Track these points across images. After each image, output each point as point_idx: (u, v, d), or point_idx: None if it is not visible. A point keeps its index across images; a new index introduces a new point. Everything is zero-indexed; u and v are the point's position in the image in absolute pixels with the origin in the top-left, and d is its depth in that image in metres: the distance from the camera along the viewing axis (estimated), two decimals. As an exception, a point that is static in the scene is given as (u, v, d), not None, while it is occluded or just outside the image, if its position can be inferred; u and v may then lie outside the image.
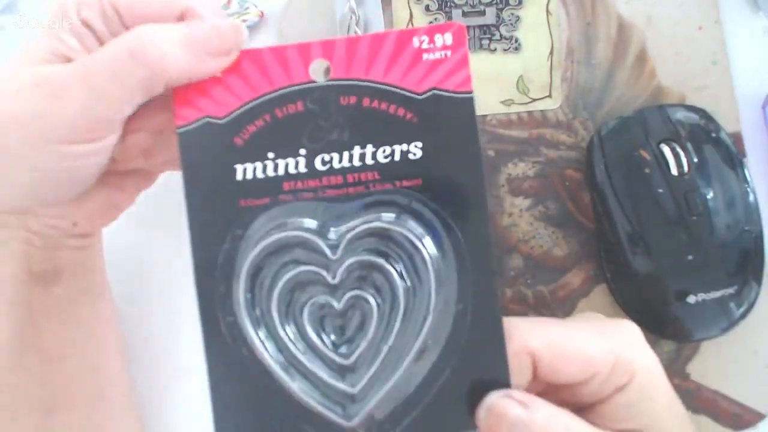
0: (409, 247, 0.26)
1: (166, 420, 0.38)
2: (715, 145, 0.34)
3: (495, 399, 0.25)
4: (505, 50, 0.37)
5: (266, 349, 0.26)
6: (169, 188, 0.37)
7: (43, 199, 0.27)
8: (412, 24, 0.37)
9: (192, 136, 0.26)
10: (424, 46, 0.26)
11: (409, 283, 0.26)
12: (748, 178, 0.34)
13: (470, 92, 0.25)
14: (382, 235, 0.26)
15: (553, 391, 0.27)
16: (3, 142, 0.25)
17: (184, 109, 0.26)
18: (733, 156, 0.34)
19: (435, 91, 0.26)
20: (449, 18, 0.37)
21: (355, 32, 0.36)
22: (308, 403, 0.26)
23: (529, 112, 0.37)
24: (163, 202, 0.38)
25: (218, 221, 0.26)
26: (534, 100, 0.37)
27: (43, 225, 0.28)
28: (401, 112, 0.26)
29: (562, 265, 0.37)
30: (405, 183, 0.26)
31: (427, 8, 0.37)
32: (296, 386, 0.26)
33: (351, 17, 0.35)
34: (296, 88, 0.26)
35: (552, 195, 0.37)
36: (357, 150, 0.26)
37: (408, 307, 0.26)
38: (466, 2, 0.37)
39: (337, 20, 0.36)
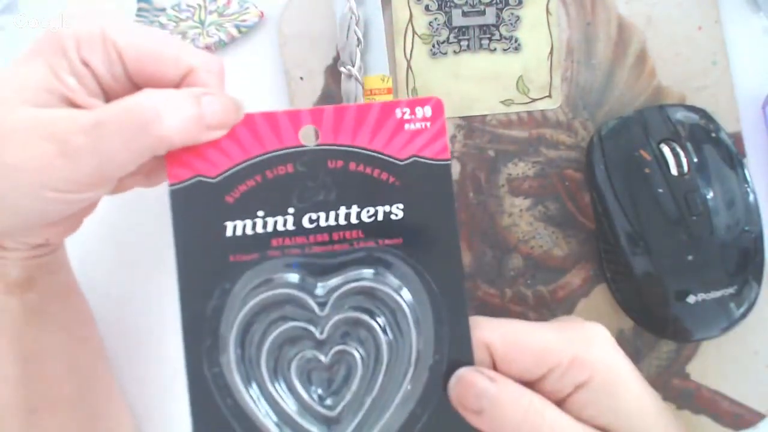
0: (392, 304, 0.28)
1: (165, 420, 0.38)
2: (715, 145, 0.34)
3: (466, 370, 0.27)
4: (505, 50, 0.37)
5: (258, 407, 0.27)
6: (164, 196, 0.37)
7: (33, 228, 0.28)
8: (412, 24, 0.37)
9: (184, 194, 0.27)
10: (406, 117, 0.28)
11: (391, 336, 0.28)
12: (748, 178, 0.34)
13: (448, 160, 0.28)
14: (367, 293, 0.27)
15: None
16: (2, 185, 0.25)
17: (177, 169, 0.27)
18: (733, 156, 0.34)
19: (416, 158, 0.28)
20: (449, 17, 0.37)
21: (355, 32, 0.36)
22: None
23: (529, 112, 0.37)
24: (158, 208, 0.38)
25: (207, 275, 0.27)
26: (534, 100, 0.37)
27: (16, 242, 0.28)
28: (384, 176, 0.28)
29: (562, 265, 0.37)
30: (387, 242, 0.28)
31: (427, 8, 0.37)
32: None
33: (351, 17, 0.35)
34: (287, 151, 0.27)
35: (552, 195, 0.37)
36: (343, 210, 0.27)
37: (391, 360, 0.28)
38: (466, 2, 0.37)
39: (337, 20, 0.36)
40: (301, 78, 0.37)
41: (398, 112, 0.28)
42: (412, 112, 0.28)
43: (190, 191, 0.27)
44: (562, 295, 0.37)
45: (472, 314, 0.29)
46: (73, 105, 0.26)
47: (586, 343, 0.27)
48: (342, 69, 0.36)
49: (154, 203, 0.38)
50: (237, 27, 0.38)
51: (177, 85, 0.27)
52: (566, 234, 0.37)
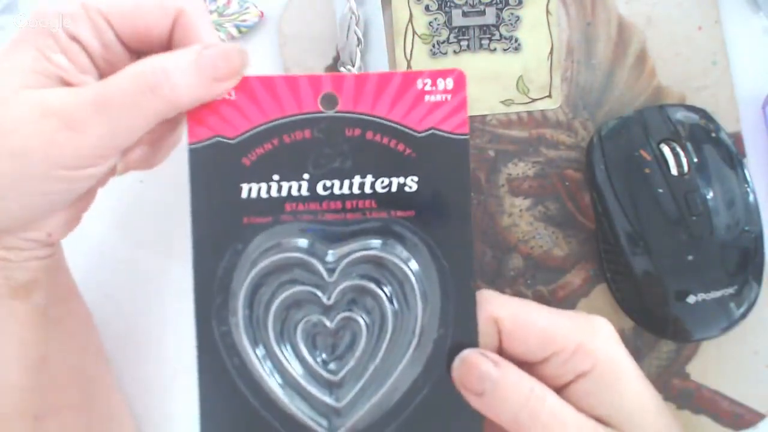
0: (400, 275, 0.28)
1: (164, 420, 0.38)
2: (715, 145, 0.34)
3: (470, 352, 0.27)
4: (505, 50, 0.37)
5: (264, 367, 0.27)
6: (164, 196, 0.37)
7: (38, 217, 0.28)
8: (412, 24, 0.37)
9: (202, 153, 0.27)
10: (427, 88, 0.27)
11: (397, 306, 0.28)
12: (748, 178, 0.34)
13: (466, 134, 0.27)
14: (376, 262, 0.28)
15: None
16: (12, 171, 0.25)
17: (197, 128, 0.27)
18: (733, 156, 0.34)
19: (434, 131, 0.27)
20: (449, 17, 0.37)
21: (355, 32, 0.36)
22: (296, 415, 0.27)
23: (529, 112, 0.37)
24: (158, 208, 0.38)
25: (221, 235, 0.27)
26: (534, 100, 0.37)
27: (20, 239, 0.28)
28: (401, 147, 0.27)
29: (562, 265, 0.37)
30: (399, 213, 0.27)
31: (427, 8, 0.37)
32: (286, 399, 0.27)
33: (351, 17, 0.35)
34: (305, 116, 0.27)
35: (552, 195, 0.37)
36: (357, 179, 0.27)
37: (395, 329, 0.28)
38: (466, 2, 0.37)
39: (337, 20, 0.36)
40: (301, 78, 0.37)
41: (419, 83, 0.27)
42: (434, 83, 0.27)
43: (208, 151, 0.27)
44: (562, 295, 0.37)
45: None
46: (66, 84, 0.26)
47: (591, 334, 0.27)
48: (342, 69, 0.36)
49: (154, 205, 0.38)
50: (237, 27, 0.38)
51: (170, 34, 0.27)
52: (566, 234, 0.37)
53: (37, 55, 0.25)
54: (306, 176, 0.27)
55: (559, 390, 0.27)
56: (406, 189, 0.27)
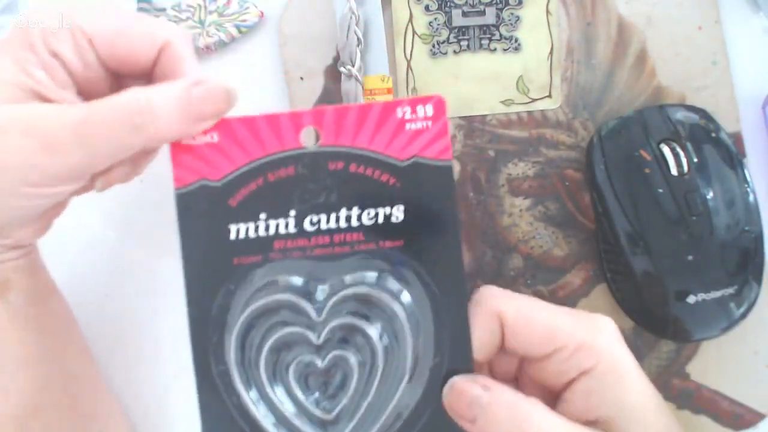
0: (388, 311, 0.28)
1: (163, 421, 0.38)
2: (715, 145, 0.34)
3: (459, 379, 0.27)
4: (505, 50, 0.37)
5: (258, 409, 0.27)
6: (164, 196, 0.37)
7: (4, 227, 0.27)
8: (412, 24, 0.37)
9: (188, 198, 0.27)
10: (407, 116, 0.27)
11: (387, 343, 0.28)
12: (748, 178, 0.34)
13: (449, 160, 0.27)
14: (364, 299, 0.28)
15: (525, 373, 0.29)
16: None
17: (182, 172, 0.27)
18: (733, 156, 0.34)
19: (417, 159, 0.27)
20: (449, 17, 0.37)
21: (355, 32, 0.36)
22: None
23: (529, 112, 0.37)
24: (158, 208, 0.38)
25: (212, 277, 0.27)
26: (534, 100, 0.37)
27: None
28: (385, 177, 0.27)
29: (562, 265, 0.37)
30: (388, 244, 0.28)
31: (427, 8, 0.37)
32: None
33: (351, 17, 0.35)
34: (288, 153, 0.27)
35: (552, 195, 0.37)
36: (344, 212, 0.27)
37: (387, 365, 0.28)
38: (466, 2, 0.37)
39: (337, 20, 0.36)
40: (301, 78, 0.37)
41: (399, 112, 0.27)
42: (413, 111, 0.27)
43: (194, 195, 0.27)
44: (562, 295, 0.37)
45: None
46: (44, 99, 0.26)
47: (595, 332, 0.27)
48: (342, 69, 0.36)
49: (149, 208, 0.38)
50: (237, 27, 0.38)
51: (154, 62, 0.27)
52: (566, 234, 0.37)
53: (15, 68, 0.25)
54: (293, 213, 0.27)
55: (562, 389, 0.27)
56: (393, 219, 0.27)
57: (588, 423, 0.27)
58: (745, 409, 0.36)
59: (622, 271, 0.34)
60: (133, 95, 0.25)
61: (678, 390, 0.36)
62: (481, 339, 0.27)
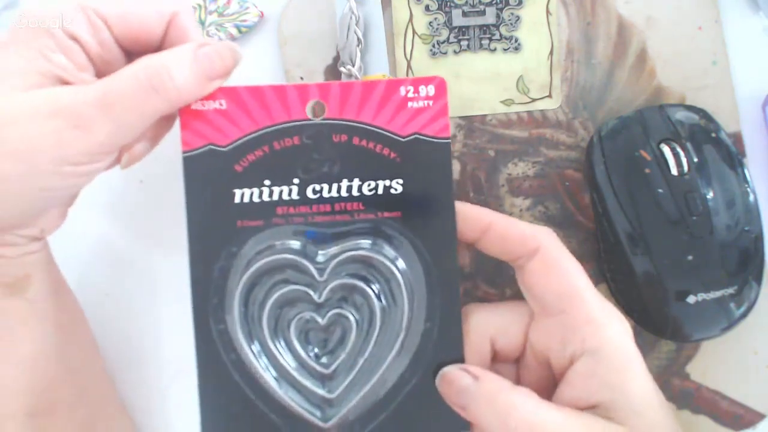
0: (387, 273, 0.29)
1: (165, 420, 0.38)
2: (715, 145, 0.34)
3: (449, 369, 0.28)
4: (505, 50, 0.37)
5: (259, 362, 0.29)
6: (163, 196, 0.37)
7: (38, 214, 0.28)
8: (412, 24, 0.37)
9: (196, 161, 0.28)
10: (410, 95, 0.29)
11: (385, 303, 0.29)
12: (748, 178, 0.34)
13: (448, 138, 0.29)
14: (365, 261, 0.29)
15: (529, 353, 0.30)
16: (21, 170, 0.25)
17: (190, 136, 0.28)
18: (733, 156, 0.34)
19: (417, 135, 0.29)
20: (449, 17, 0.37)
21: (355, 32, 0.36)
22: (290, 406, 0.29)
23: (529, 112, 0.37)
24: (158, 208, 0.38)
25: (216, 238, 0.28)
26: (534, 100, 0.37)
27: (16, 236, 0.28)
28: (386, 151, 0.29)
29: (562, 265, 0.37)
30: (386, 214, 0.29)
31: (427, 8, 0.37)
32: (281, 391, 0.29)
33: (351, 17, 0.35)
34: (294, 123, 0.28)
35: (552, 195, 0.37)
36: (345, 182, 0.29)
37: (383, 324, 0.29)
38: (466, 2, 0.37)
39: (337, 20, 0.36)
40: (301, 78, 0.37)
41: (402, 90, 0.28)
42: (416, 90, 0.28)
43: (201, 159, 0.28)
44: (562, 295, 0.37)
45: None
46: (65, 83, 0.26)
47: (608, 315, 0.28)
48: (342, 69, 0.36)
49: (153, 205, 0.38)
50: (237, 27, 0.38)
51: (163, 34, 0.28)
52: (566, 234, 0.37)
53: (36, 55, 0.25)
54: (296, 181, 0.28)
55: (564, 369, 0.28)
56: (392, 191, 0.29)
57: (588, 407, 0.27)
58: (745, 409, 0.36)
59: (622, 271, 0.34)
60: (147, 61, 0.26)
61: (678, 390, 0.36)
62: (471, 361, 0.29)
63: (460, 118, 0.37)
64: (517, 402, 0.26)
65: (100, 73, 0.27)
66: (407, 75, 0.37)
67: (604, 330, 0.27)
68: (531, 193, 0.37)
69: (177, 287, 0.38)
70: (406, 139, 0.29)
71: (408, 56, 0.37)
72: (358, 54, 0.36)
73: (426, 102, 0.28)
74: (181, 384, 0.37)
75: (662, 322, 0.34)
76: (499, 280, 0.37)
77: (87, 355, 0.34)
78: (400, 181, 0.29)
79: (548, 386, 0.29)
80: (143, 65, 0.26)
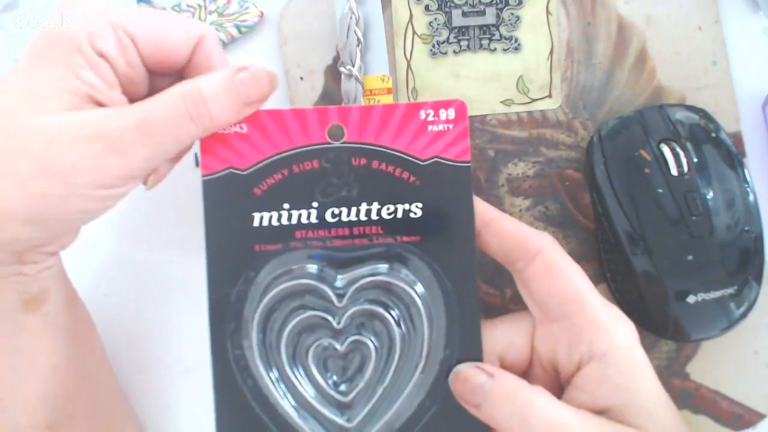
0: (406, 298, 0.29)
1: (166, 420, 0.38)
2: (715, 145, 0.34)
3: (464, 367, 0.28)
4: (505, 50, 0.37)
5: (277, 389, 0.28)
6: (164, 196, 0.37)
7: (67, 233, 0.28)
8: (412, 24, 0.37)
9: (215, 184, 0.28)
10: (430, 118, 0.28)
11: (404, 329, 0.29)
12: (748, 178, 0.34)
13: (468, 162, 0.28)
14: (384, 287, 0.28)
15: (537, 362, 0.29)
16: (59, 191, 0.25)
17: (210, 159, 0.28)
18: (733, 156, 0.34)
19: (437, 159, 0.28)
20: (449, 17, 0.37)
21: (355, 32, 0.36)
22: None
23: (529, 112, 0.37)
24: (159, 208, 0.38)
25: (234, 263, 0.28)
26: (534, 100, 0.37)
27: (37, 253, 0.28)
28: (406, 175, 0.28)
29: (562, 265, 0.37)
30: (405, 238, 0.29)
31: (427, 8, 0.37)
32: (300, 420, 0.28)
33: (351, 17, 0.35)
34: (313, 147, 0.28)
35: (552, 195, 0.37)
36: (364, 206, 0.28)
37: (403, 351, 0.29)
38: (466, 2, 0.37)
39: (337, 20, 0.36)
40: (301, 78, 0.37)
41: (422, 113, 0.28)
42: (436, 114, 0.28)
43: (221, 182, 0.28)
44: (562, 295, 0.37)
45: None
46: (96, 102, 0.26)
47: (613, 320, 0.28)
48: (342, 69, 0.36)
49: (154, 205, 0.38)
50: (237, 27, 0.38)
51: (189, 57, 0.28)
52: (566, 234, 0.37)
53: (66, 73, 0.25)
54: (315, 204, 0.28)
55: (572, 374, 0.27)
56: (411, 215, 0.28)
57: (599, 411, 0.26)
58: (745, 409, 0.36)
59: (622, 271, 0.34)
60: (185, 87, 0.26)
61: (678, 390, 0.36)
62: None
63: (460, 118, 0.37)
64: (536, 401, 0.26)
65: (126, 92, 0.27)
66: (407, 75, 0.37)
67: (611, 333, 0.27)
68: (531, 193, 0.37)
69: (177, 288, 0.38)
70: (425, 163, 0.28)
71: (408, 56, 0.37)
72: (358, 54, 0.36)
73: (446, 126, 0.28)
74: (185, 384, 0.37)
75: (662, 322, 0.34)
76: (499, 280, 0.37)
77: (99, 363, 0.34)
78: (420, 205, 0.28)
79: (554, 392, 0.29)
80: (181, 92, 0.26)
